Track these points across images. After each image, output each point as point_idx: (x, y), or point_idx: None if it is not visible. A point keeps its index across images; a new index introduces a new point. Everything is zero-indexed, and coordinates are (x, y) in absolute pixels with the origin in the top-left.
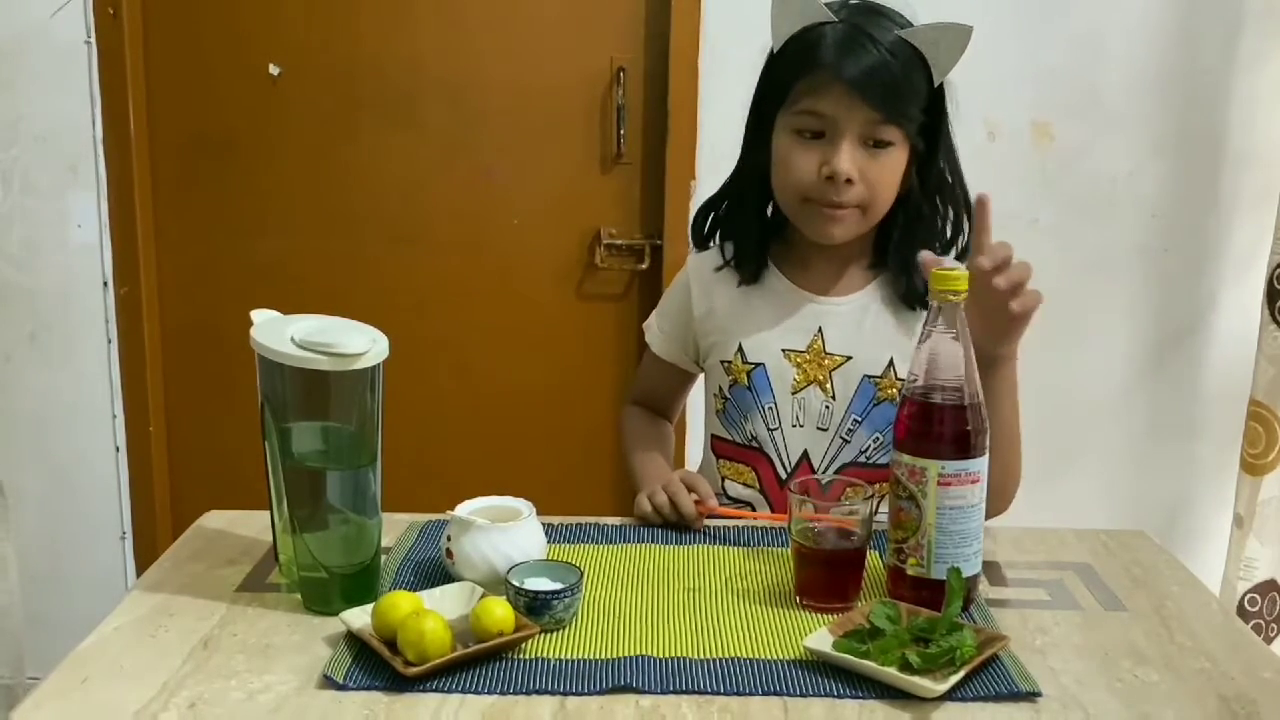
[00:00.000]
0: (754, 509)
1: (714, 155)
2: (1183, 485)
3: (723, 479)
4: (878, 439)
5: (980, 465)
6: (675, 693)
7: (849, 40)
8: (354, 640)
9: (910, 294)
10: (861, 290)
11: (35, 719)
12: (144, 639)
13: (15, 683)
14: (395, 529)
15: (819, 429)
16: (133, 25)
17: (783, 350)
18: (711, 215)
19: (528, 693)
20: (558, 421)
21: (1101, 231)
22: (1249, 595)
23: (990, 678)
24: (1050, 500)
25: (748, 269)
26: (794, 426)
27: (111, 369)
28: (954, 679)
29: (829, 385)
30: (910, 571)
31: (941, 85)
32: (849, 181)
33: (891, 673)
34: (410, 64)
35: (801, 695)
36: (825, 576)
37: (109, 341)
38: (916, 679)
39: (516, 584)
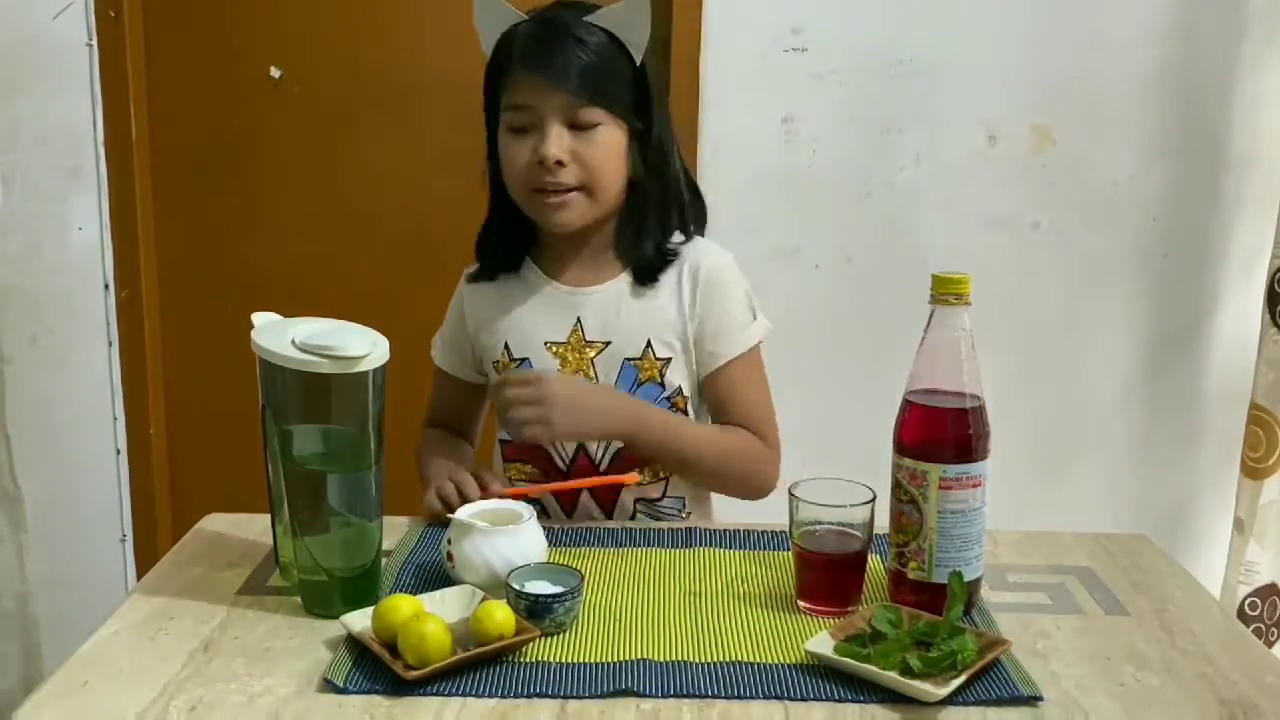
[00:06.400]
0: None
1: (714, 157)
2: (1183, 489)
3: (512, 482)
4: None
5: (982, 469)
6: (676, 696)
7: (537, 33)
8: (354, 644)
9: (640, 268)
10: (615, 278)
11: None
12: (144, 642)
13: (33, 671)
14: (396, 532)
15: None
16: (134, 28)
17: (545, 343)
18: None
19: (528, 696)
20: None
21: (1102, 235)
22: (1249, 599)
23: (991, 682)
24: (1051, 503)
25: (488, 264)
26: None
27: (112, 372)
28: (955, 683)
29: (592, 373)
30: (911, 575)
31: (644, 65)
32: (560, 164)
33: (893, 676)
34: (411, 67)
35: (802, 699)
36: (826, 580)
37: (110, 344)
38: (918, 683)
39: (517, 587)
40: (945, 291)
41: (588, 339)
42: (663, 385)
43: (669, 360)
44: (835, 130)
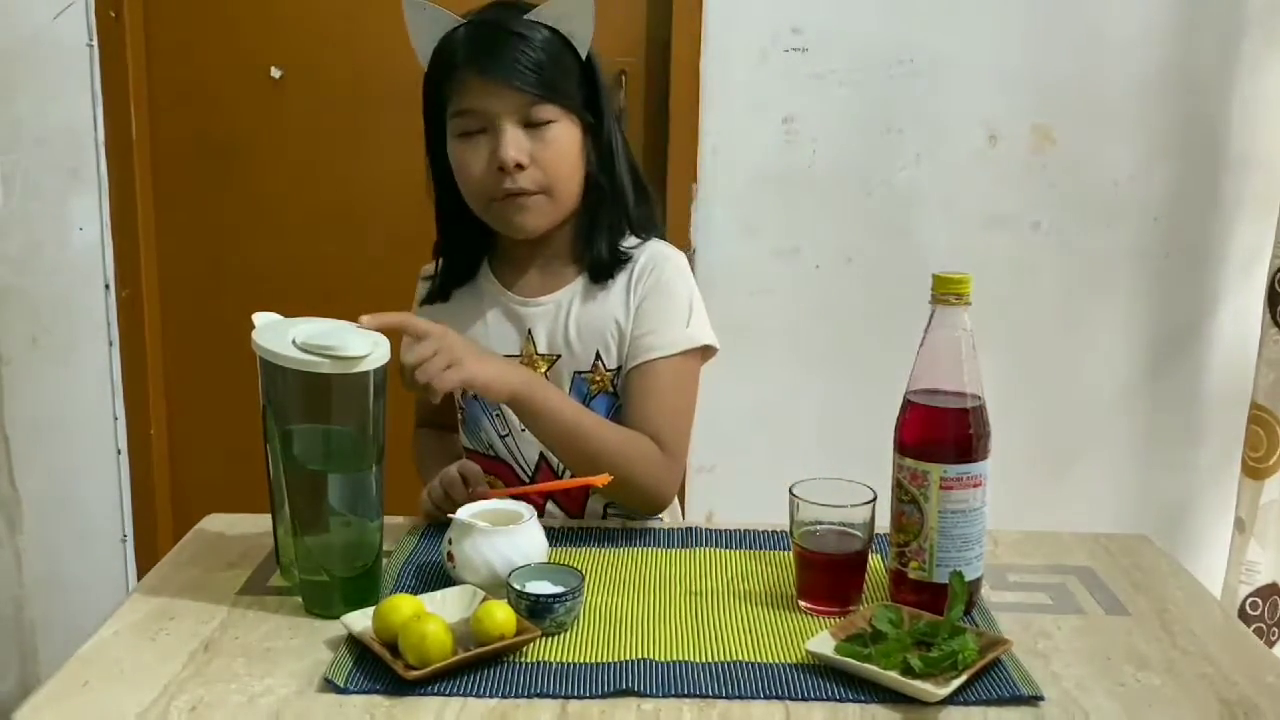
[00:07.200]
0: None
1: (715, 158)
2: (1184, 489)
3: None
4: None
5: (983, 469)
6: (677, 696)
7: (477, 35)
8: (355, 644)
9: (594, 269)
10: (567, 285)
11: None
12: (144, 642)
13: (30, 674)
14: (396, 532)
15: None
16: (134, 28)
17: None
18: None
19: (529, 696)
20: None
21: (1103, 235)
22: (1250, 599)
23: (992, 682)
24: (1051, 503)
25: (445, 284)
26: (523, 431)
27: (113, 372)
28: (956, 683)
29: None
30: (912, 575)
31: (590, 58)
32: (520, 167)
33: (893, 676)
34: (412, 66)
35: (803, 699)
36: (827, 580)
37: (110, 344)
38: (918, 683)
39: (518, 587)
40: (946, 291)
41: (539, 352)
42: (615, 395)
43: (618, 369)
44: (835, 130)
